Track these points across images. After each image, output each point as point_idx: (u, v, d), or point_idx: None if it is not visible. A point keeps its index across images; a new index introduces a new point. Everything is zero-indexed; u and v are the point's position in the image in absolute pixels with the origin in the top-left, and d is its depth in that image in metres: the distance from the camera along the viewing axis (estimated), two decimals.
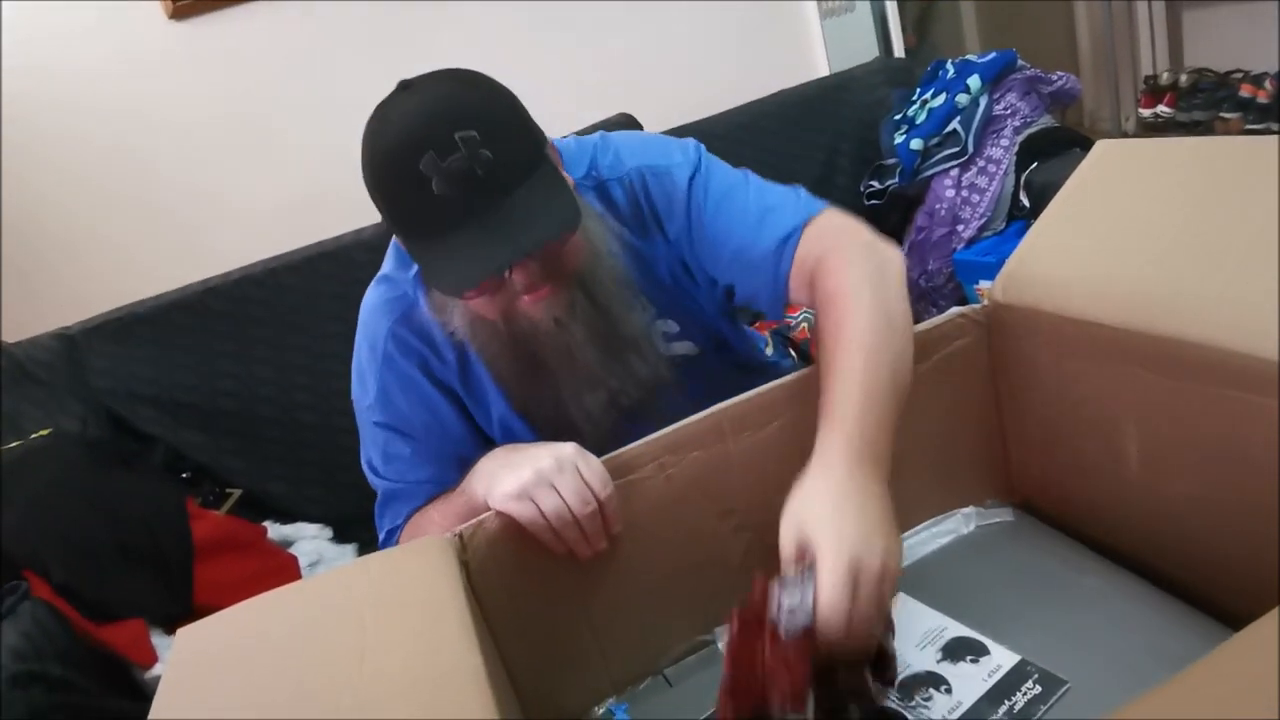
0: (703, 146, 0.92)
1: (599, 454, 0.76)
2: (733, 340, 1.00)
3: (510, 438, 0.92)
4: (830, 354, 0.72)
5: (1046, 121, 1.66)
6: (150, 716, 0.53)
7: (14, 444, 1.26)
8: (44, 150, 1.72)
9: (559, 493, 0.70)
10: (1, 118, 1.67)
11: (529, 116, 0.77)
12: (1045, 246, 0.83)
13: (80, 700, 0.98)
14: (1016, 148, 1.60)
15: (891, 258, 0.80)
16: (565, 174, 0.81)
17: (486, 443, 0.91)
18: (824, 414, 0.69)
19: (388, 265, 0.93)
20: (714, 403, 0.81)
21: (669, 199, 0.88)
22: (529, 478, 0.71)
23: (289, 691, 0.54)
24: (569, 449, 0.74)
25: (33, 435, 1.27)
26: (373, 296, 0.92)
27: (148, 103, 1.75)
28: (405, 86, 0.74)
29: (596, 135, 0.94)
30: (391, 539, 0.94)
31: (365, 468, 0.94)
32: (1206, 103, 2.42)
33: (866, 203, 1.78)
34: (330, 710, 0.51)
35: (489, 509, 0.73)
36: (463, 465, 0.85)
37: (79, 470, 1.21)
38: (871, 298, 0.74)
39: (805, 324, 1.59)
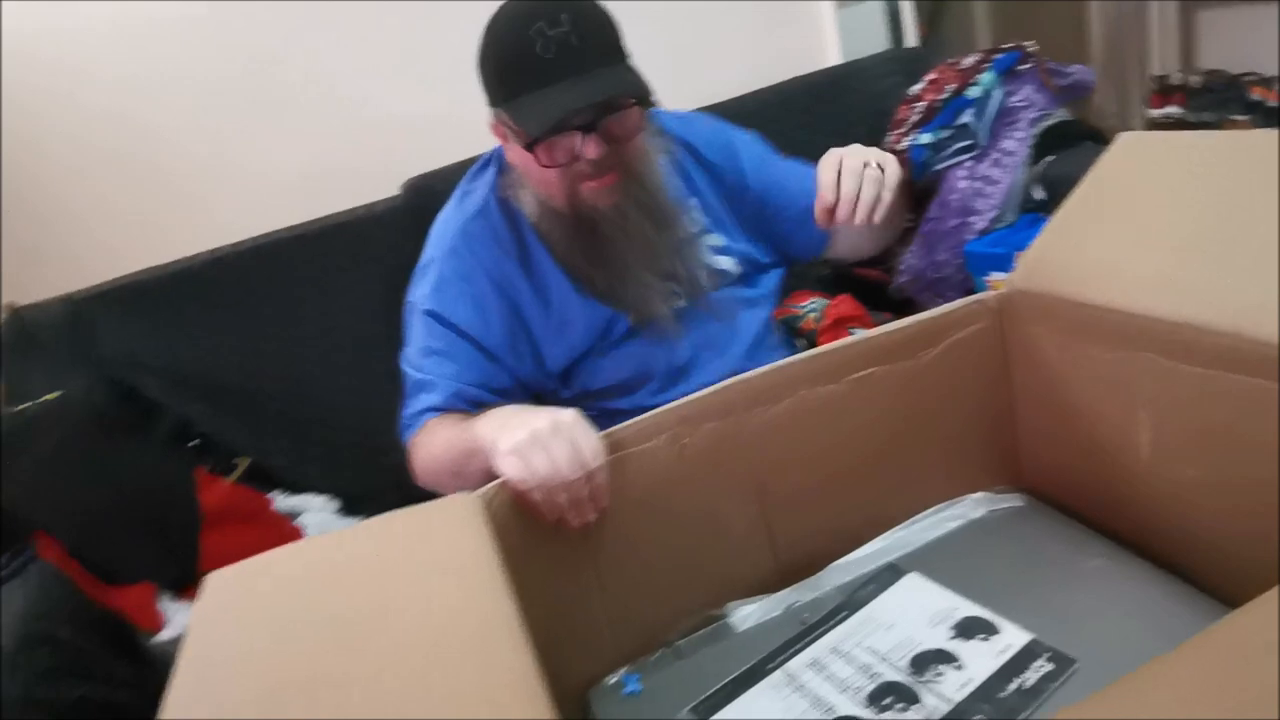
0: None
1: (648, 330, 1.02)
2: (763, 278, 1.19)
3: (565, 324, 1.05)
4: None
5: (1061, 114, 1.66)
6: (181, 657, 0.54)
7: (22, 406, 1.25)
8: (49, 117, 1.70)
9: (550, 455, 0.72)
10: (3, 84, 1.66)
11: (621, 32, 0.97)
12: (1065, 234, 0.83)
13: (87, 662, 0.98)
14: (1032, 140, 1.59)
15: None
16: None
17: (527, 352, 1.05)
18: None
19: (462, 186, 1.10)
20: (741, 333, 1.08)
21: (718, 141, 1.11)
22: (523, 437, 0.74)
23: (320, 634, 0.54)
24: (569, 415, 0.76)
25: (40, 399, 1.26)
26: (448, 208, 1.09)
27: (156, 70, 1.73)
28: None
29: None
30: (408, 431, 1.03)
31: (403, 363, 1.06)
32: (1216, 104, 2.42)
33: None
34: (364, 652, 0.51)
35: (489, 458, 0.77)
36: (489, 375, 1.00)
37: (87, 434, 1.21)
38: None
39: (813, 314, 1.59)
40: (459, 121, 1.20)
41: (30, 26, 1.66)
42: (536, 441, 0.74)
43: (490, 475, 0.75)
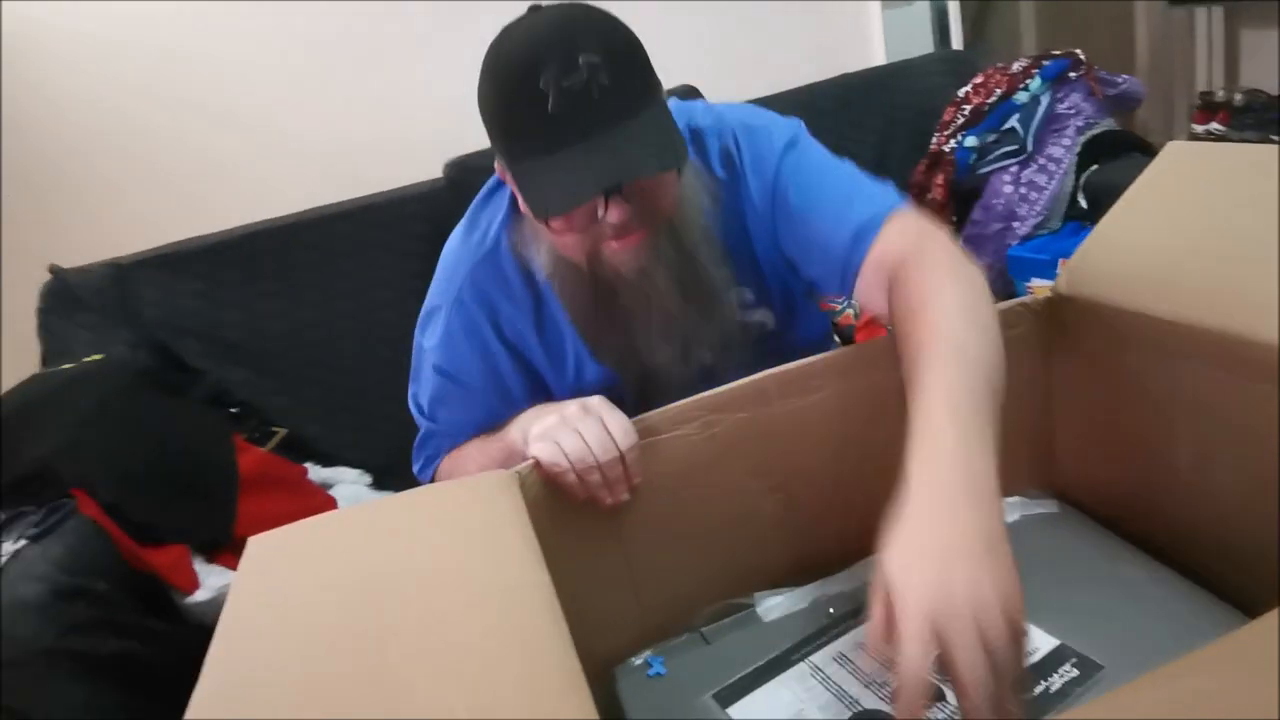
0: (803, 125, 0.91)
1: (666, 404, 0.78)
2: (803, 317, 1.00)
3: (581, 381, 0.93)
4: (922, 364, 0.65)
5: (1109, 124, 1.64)
6: (223, 616, 0.55)
7: (66, 365, 1.28)
8: (96, 91, 1.74)
9: (581, 437, 0.73)
10: (50, 58, 1.69)
11: (649, 59, 0.77)
12: (1110, 241, 0.83)
13: (122, 618, 1.00)
14: (1078, 148, 1.58)
15: (978, 272, 0.74)
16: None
17: (543, 400, 0.91)
18: (917, 434, 0.60)
19: (474, 210, 0.94)
20: None
21: (760, 157, 0.87)
22: (553, 421, 0.74)
23: (358, 600, 0.55)
24: (595, 400, 0.77)
25: (85, 359, 1.29)
26: (455, 240, 0.93)
27: (203, 45, 1.76)
28: (535, 9, 0.76)
29: (700, 100, 0.96)
30: (426, 473, 0.97)
31: (411, 403, 0.97)
32: (1258, 123, 2.38)
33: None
34: (398, 615, 0.52)
35: (525, 457, 0.76)
36: (506, 416, 0.88)
37: (129, 394, 1.24)
38: (965, 307, 0.69)
39: (850, 309, 1.58)
40: None
41: (74, 9, 1.69)
42: (566, 425, 0.74)
43: None
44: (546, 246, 0.84)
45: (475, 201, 0.94)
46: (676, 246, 0.83)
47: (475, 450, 0.91)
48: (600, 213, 0.76)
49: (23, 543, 0.99)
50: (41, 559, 0.97)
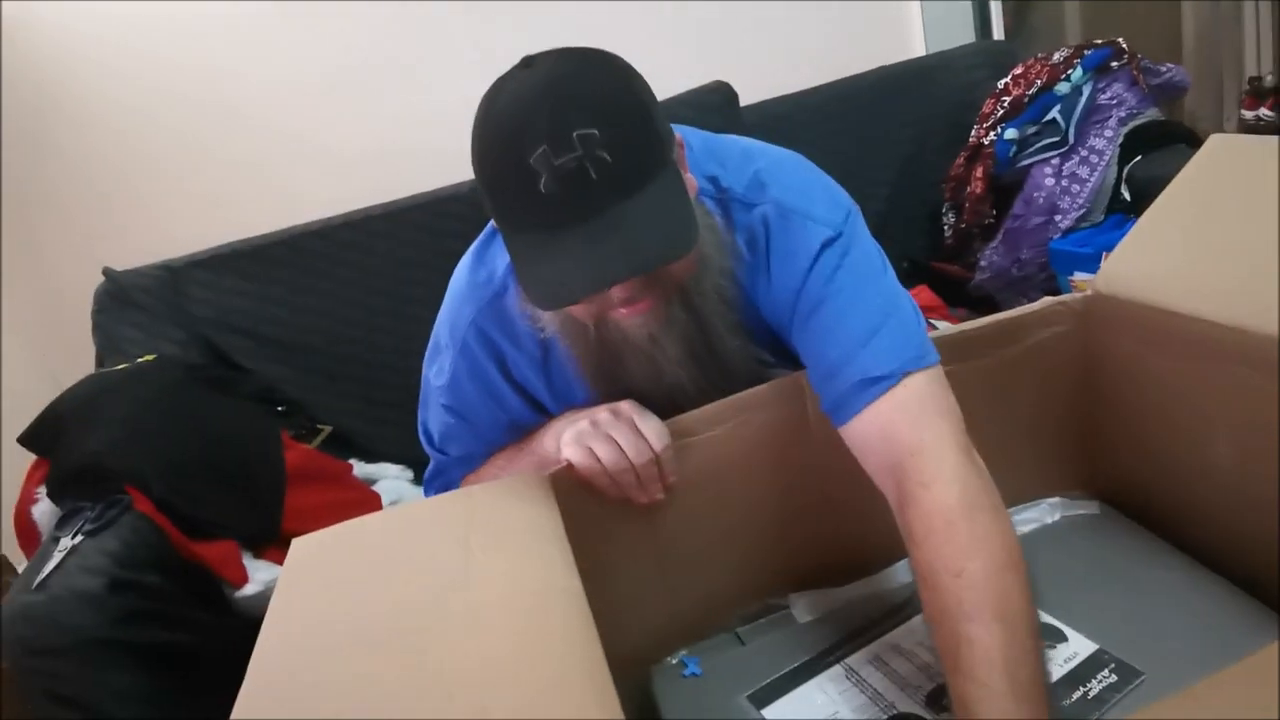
0: (857, 212, 0.81)
1: None
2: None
3: None
4: (967, 625, 0.59)
5: (1153, 114, 1.60)
6: (270, 611, 0.57)
7: (120, 365, 1.32)
8: (148, 103, 1.79)
9: (616, 442, 0.73)
10: (101, 72, 1.74)
11: (658, 112, 0.68)
12: (1151, 239, 0.81)
13: (173, 610, 1.03)
14: (1121, 139, 1.55)
15: (983, 470, 0.68)
16: (689, 176, 0.74)
17: None
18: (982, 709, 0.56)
19: (482, 243, 0.87)
20: None
21: (791, 252, 0.78)
22: (585, 427, 0.75)
23: (398, 597, 0.57)
24: (626, 404, 0.77)
25: (138, 359, 1.33)
26: (462, 275, 0.87)
27: (248, 56, 1.80)
28: (527, 64, 0.67)
29: (741, 142, 0.85)
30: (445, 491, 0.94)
31: (420, 430, 0.94)
32: None
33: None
34: (437, 616, 0.54)
35: (557, 463, 0.76)
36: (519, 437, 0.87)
37: (180, 393, 1.27)
38: (1006, 553, 0.63)
39: None
40: None
41: (124, 17, 1.74)
42: (598, 429, 0.74)
43: None
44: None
45: (483, 234, 0.87)
46: (689, 311, 0.76)
47: (500, 465, 0.88)
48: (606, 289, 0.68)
49: (80, 537, 1.03)
50: (97, 553, 1.00)
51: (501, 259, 0.83)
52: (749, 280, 0.81)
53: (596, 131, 0.62)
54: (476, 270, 0.85)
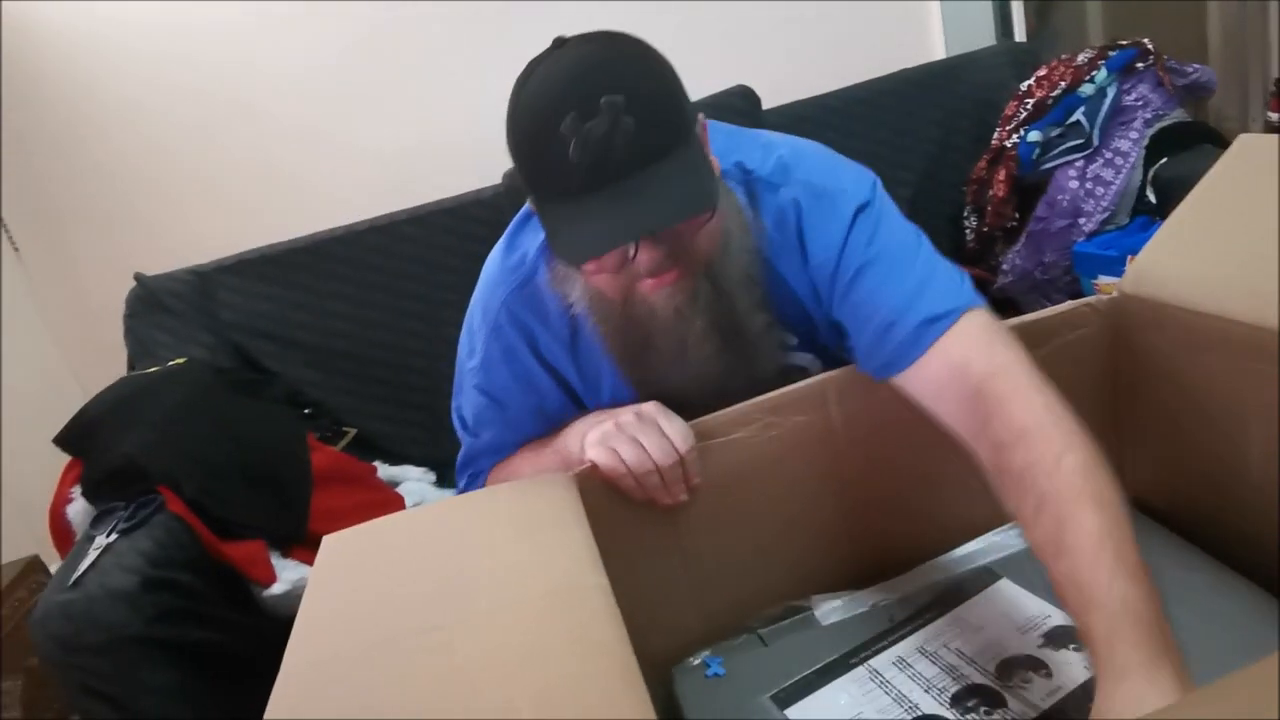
0: (879, 182, 0.84)
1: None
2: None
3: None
4: (1074, 520, 0.59)
5: (1179, 115, 1.59)
6: (301, 608, 0.58)
7: (151, 369, 1.35)
8: (172, 108, 1.83)
9: (641, 444, 0.74)
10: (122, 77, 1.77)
11: (683, 91, 0.73)
12: (1179, 239, 0.81)
13: (203, 608, 1.05)
14: (1146, 141, 1.54)
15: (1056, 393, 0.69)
16: (711, 156, 0.78)
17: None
18: (1103, 600, 0.55)
19: (514, 229, 0.92)
20: None
21: (825, 228, 0.80)
22: (610, 429, 0.76)
23: (427, 594, 0.58)
24: (650, 406, 0.78)
25: (168, 363, 1.36)
26: (494, 260, 0.92)
27: (275, 61, 1.83)
28: (559, 44, 0.72)
29: (761, 133, 0.88)
30: (474, 481, 0.97)
31: (454, 417, 0.97)
32: None
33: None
34: (464, 614, 0.55)
35: (581, 462, 0.77)
36: (553, 426, 0.89)
37: (210, 396, 1.30)
38: (1090, 457, 0.63)
39: None
40: None
41: (153, 25, 1.77)
42: (622, 432, 0.75)
43: None
44: (581, 284, 0.81)
45: (515, 221, 0.92)
46: (715, 289, 0.79)
47: (526, 459, 0.90)
48: (631, 254, 0.73)
49: (114, 536, 1.05)
50: (131, 551, 1.02)
51: (533, 243, 0.88)
52: (777, 260, 0.83)
53: (623, 98, 0.66)
54: (508, 255, 0.90)
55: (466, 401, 0.94)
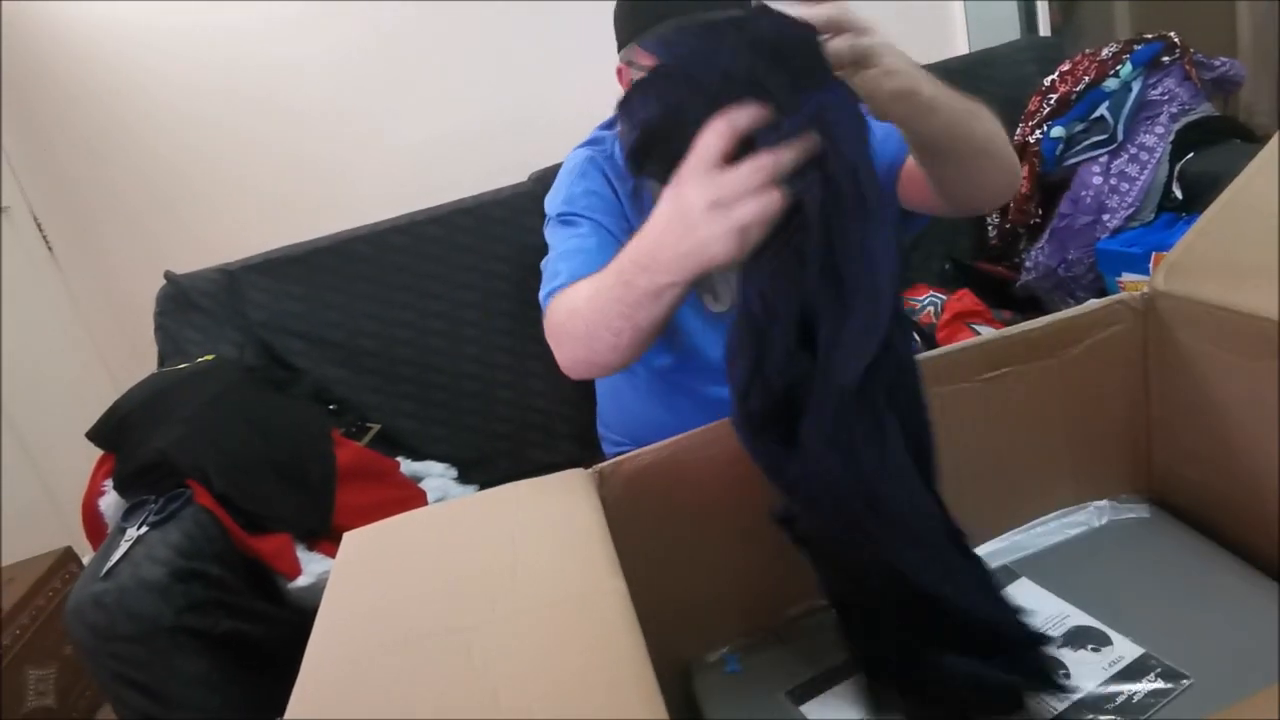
0: None
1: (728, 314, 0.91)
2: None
3: None
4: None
5: (1206, 109, 1.57)
6: (323, 604, 0.59)
7: (181, 365, 1.37)
8: (203, 108, 1.86)
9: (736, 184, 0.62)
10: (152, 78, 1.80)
11: None
12: (1214, 235, 0.80)
13: (232, 599, 1.07)
14: (1172, 136, 1.52)
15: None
16: None
17: None
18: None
19: (595, 131, 1.19)
20: None
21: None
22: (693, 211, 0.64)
23: (445, 594, 0.59)
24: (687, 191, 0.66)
25: (198, 359, 1.38)
26: (577, 146, 1.19)
27: (305, 62, 1.86)
28: None
29: None
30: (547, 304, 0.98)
31: (544, 264, 1.06)
32: None
33: None
34: (482, 614, 0.55)
35: (655, 288, 0.72)
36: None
37: (239, 392, 1.32)
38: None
39: (930, 308, 1.56)
40: (590, 120, 1.24)
41: (184, 26, 1.80)
42: (719, 202, 0.63)
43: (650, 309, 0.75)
44: None
45: (594, 130, 1.19)
46: None
47: (587, 296, 0.85)
48: None
49: (145, 529, 1.07)
50: (162, 544, 1.05)
51: (608, 135, 1.17)
52: None
53: None
54: (588, 143, 1.18)
55: (553, 246, 1.08)
